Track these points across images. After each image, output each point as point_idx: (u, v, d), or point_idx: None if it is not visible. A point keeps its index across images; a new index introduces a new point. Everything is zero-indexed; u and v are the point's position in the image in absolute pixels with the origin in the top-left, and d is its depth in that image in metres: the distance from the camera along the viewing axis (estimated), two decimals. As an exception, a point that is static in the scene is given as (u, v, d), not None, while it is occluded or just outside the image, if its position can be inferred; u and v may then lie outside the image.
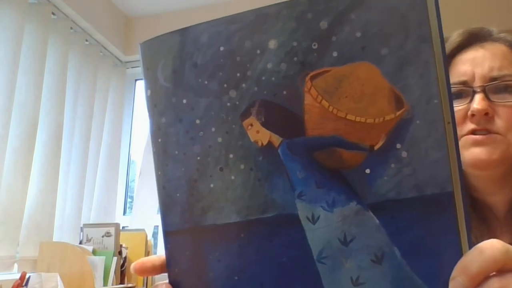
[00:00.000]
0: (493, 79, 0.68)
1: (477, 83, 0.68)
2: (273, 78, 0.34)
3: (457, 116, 0.67)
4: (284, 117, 0.34)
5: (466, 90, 0.69)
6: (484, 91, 0.67)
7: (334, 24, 0.32)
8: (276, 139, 0.34)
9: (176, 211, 0.37)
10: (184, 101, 0.36)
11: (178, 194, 0.37)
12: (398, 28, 0.31)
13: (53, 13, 2.19)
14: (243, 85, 0.34)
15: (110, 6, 2.62)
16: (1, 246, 1.78)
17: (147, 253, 2.03)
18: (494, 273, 0.30)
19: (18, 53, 1.91)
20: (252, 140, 0.34)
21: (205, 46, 0.35)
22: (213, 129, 0.35)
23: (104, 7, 2.57)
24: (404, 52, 0.31)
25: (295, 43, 0.33)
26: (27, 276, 1.55)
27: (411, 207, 0.31)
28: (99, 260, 1.79)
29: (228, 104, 0.35)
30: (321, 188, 0.33)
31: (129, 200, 2.70)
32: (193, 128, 0.36)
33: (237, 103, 0.35)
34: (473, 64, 0.70)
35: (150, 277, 2.01)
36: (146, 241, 2.05)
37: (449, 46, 0.73)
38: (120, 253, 1.91)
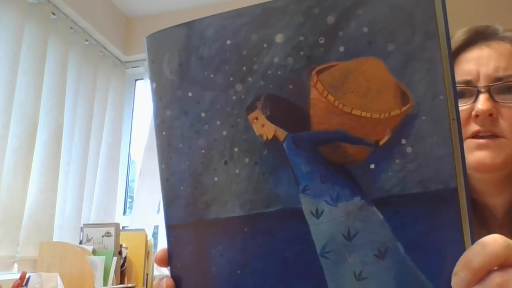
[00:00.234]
0: (498, 79, 0.66)
1: (481, 83, 0.66)
2: (279, 72, 0.34)
3: (461, 116, 0.65)
4: (289, 111, 0.34)
5: (470, 90, 0.67)
6: (488, 91, 0.65)
7: (341, 19, 0.32)
8: (281, 133, 0.34)
9: (180, 205, 0.37)
10: (190, 94, 0.36)
11: (182, 188, 0.37)
12: (405, 24, 0.32)
13: (53, 13, 2.19)
14: (249, 78, 0.34)
15: (110, 6, 2.62)
16: (1, 246, 1.77)
17: (147, 253, 2.02)
18: (496, 267, 0.30)
19: (18, 53, 1.90)
20: (257, 134, 0.34)
21: (211, 39, 0.35)
22: (218, 123, 0.35)
23: (104, 7, 2.56)
24: (411, 48, 0.31)
25: (301, 38, 0.33)
26: (27, 276, 1.54)
27: (415, 203, 0.31)
28: (99, 260, 1.78)
29: (234, 97, 0.35)
30: (326, 183, 0.33)
31: (129, 200, 2.70)
32: (198, 121, 0.36)
33: (243, 96, 0.35)
34: (478, 63, 0.68)
35: (150, 277, 2.01)
36: (146, 241, 2.04)
37: (453, 43, 0.71)
38: (120, 253, 1.90)
